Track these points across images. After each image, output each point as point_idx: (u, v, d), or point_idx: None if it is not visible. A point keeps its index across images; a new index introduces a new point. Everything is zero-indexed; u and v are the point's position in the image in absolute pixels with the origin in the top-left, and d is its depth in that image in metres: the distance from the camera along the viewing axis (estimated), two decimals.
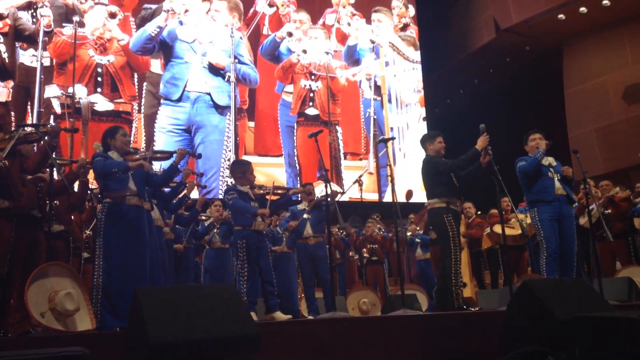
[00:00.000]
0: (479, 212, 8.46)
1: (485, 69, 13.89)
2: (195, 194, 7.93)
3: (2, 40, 9.39)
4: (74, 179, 4.62)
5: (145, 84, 10.62)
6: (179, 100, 10.38)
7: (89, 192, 5.35)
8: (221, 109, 10.61)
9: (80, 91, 9.94)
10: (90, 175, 4.80)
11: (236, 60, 10.72)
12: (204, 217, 6.75)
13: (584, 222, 6.72)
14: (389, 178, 5.17)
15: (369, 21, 12.53)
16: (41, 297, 3.64)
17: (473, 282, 7.85)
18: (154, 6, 10.85)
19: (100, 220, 4.02)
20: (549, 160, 5.30)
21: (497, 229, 7.09)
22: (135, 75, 10.56)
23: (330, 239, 4.89)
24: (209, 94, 10.55)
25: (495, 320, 3.53)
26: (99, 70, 10.17)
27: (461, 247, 5.14)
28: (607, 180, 7.29)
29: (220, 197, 8.80)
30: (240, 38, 11.07)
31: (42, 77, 9.55)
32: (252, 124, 11.36)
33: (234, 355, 2.43)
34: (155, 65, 10.74)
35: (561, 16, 11.59)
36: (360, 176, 4.73)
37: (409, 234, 7.99)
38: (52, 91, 9.79)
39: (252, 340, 2.41)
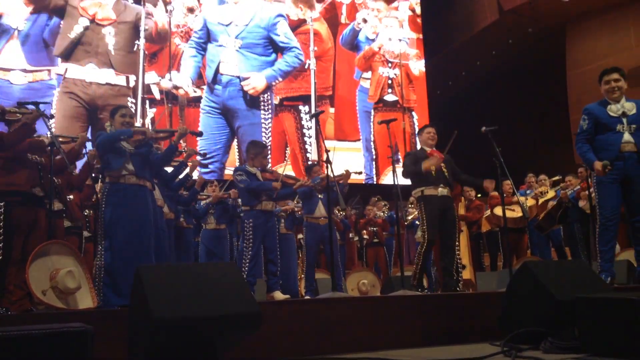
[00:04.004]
0: (479, 195, 8.47)
1: (487, 50, 13.80)
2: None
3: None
4: (75, 156, 4.62)
5: None
6: (214, 82, 10.53)
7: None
8: (250, 96, 10.69)
9: (176, 78, 10.41)
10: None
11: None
12: (204, 196, 6.77)
13: (584, 204, 6.73)
14: (390, 160, 5.19)
15: None
16: (42, 275, 3.66)
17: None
18: None
19: (102, 199, 4.03)
20: (623, 108, 4.27)
21: (498, 211, 7.10)
22: None
23: (330, 220, 4.91)
24: (239, 77, 10.66)
25: (494, 301, 3.55)
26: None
27: (439, 233, 4.95)
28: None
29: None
30: (281, 16, 11.00)
31: (144, 64, 10.17)
32: (332, 109, 11.67)
33: (235, 332, 2.45)
34: None
35: None
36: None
37: (410, 217, 8.01)
38: (151, 78, 10.22)
39: (253, 317, 2.42)
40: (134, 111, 9.72)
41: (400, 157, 11.83)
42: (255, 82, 10.59)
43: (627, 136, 4.19)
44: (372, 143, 11.69)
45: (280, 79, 10.89)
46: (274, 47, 10.91)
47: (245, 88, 10.53)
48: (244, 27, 10.71)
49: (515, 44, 13.41)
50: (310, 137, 11.09)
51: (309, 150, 11.09)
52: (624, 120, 4.21)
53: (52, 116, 4.87)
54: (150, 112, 10.14)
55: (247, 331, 2.52)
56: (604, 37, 11.96)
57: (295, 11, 11.42)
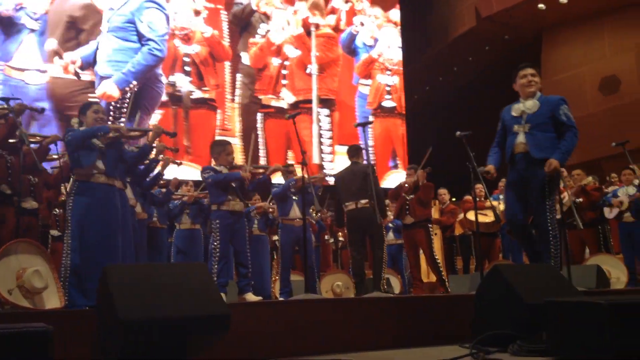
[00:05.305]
0: (454, 199, 8.54)
1: (464, 56, 13.95)
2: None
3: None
4: (44, 153, 4.56)
5: (238, 75, 11.04)
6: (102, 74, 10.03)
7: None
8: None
9: (180, 80, 10.41)
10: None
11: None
12: (179, 196, 6.69)
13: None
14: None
15: None
16: (9, 274, 3.58)
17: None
18: (245, 1, 11.24)
19: (70, 198, 3.94)
20: (524, 107, 4.07)
21: (470, 215, 7.16)
22: (220, 65, 10.93)
23: (305, 221, 4.89)
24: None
25: (466, 304, 3.57)
26: (186, 59, 10.59)
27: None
28: (579, 169, 7.39)
29: None
30: (153, 2, 10.25)
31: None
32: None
33: (203, 334, 2.42)
34: (245, 57, 11.17)
35: (541, 6, 11.67)
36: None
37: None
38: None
39: (221, 319, 2.39)
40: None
41: (399, 162, 11.97)
42: (107, 89, 9.69)
43: (520, 137, 3.98)
44: (370, 148, 11.82)
45: (135, 81, 9.81)
46: (139, 35, 10.08)
47: (98, 94, 9.60)
48: (115, 11, 10.07)
49: (492, 51, 13.58)
50: (330, 139, 11.24)
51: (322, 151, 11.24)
52: (522, 119, 4.01)
53: (42, 110, 4.73)
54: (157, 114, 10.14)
55: (216, 333, 2.49)
56: (579, 46, 12.19)
57: (308, 15, 11.66)
